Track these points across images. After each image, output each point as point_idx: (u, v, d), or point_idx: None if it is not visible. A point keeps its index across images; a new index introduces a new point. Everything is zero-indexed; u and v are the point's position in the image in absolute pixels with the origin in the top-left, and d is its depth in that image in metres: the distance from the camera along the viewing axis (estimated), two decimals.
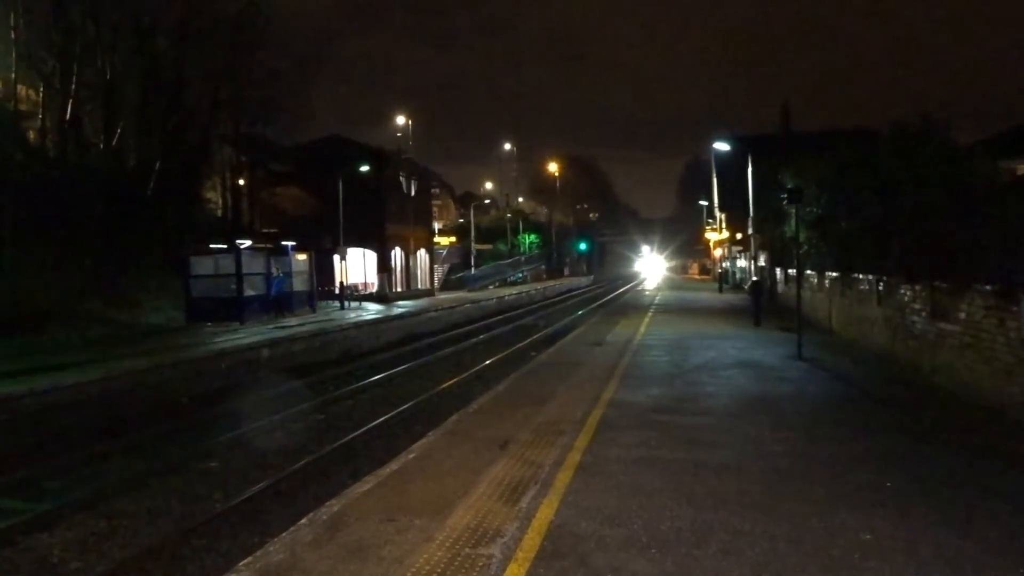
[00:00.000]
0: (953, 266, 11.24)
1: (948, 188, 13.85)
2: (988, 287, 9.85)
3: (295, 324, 25.27)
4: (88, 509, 9.54)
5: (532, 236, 79.88)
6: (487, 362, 21.49)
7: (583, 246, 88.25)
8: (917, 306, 12.80)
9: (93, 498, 9.86)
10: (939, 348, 11.75)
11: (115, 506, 9.73)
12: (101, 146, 28.83)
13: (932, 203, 13.41)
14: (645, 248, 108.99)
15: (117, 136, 29.08)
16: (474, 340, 27.82)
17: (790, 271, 26.76)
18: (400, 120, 72.06)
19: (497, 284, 60.42)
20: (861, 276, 16.78)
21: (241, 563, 5.62)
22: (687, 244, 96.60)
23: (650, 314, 28.20)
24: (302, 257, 31.02)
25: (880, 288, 15.06)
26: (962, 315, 10.80)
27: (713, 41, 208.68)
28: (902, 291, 13.59)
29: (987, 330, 9.94)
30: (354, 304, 34.49)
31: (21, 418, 12.68)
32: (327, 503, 6.88)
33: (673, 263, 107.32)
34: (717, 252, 63.62)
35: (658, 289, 53.01)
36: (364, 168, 35.96)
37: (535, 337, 27.84)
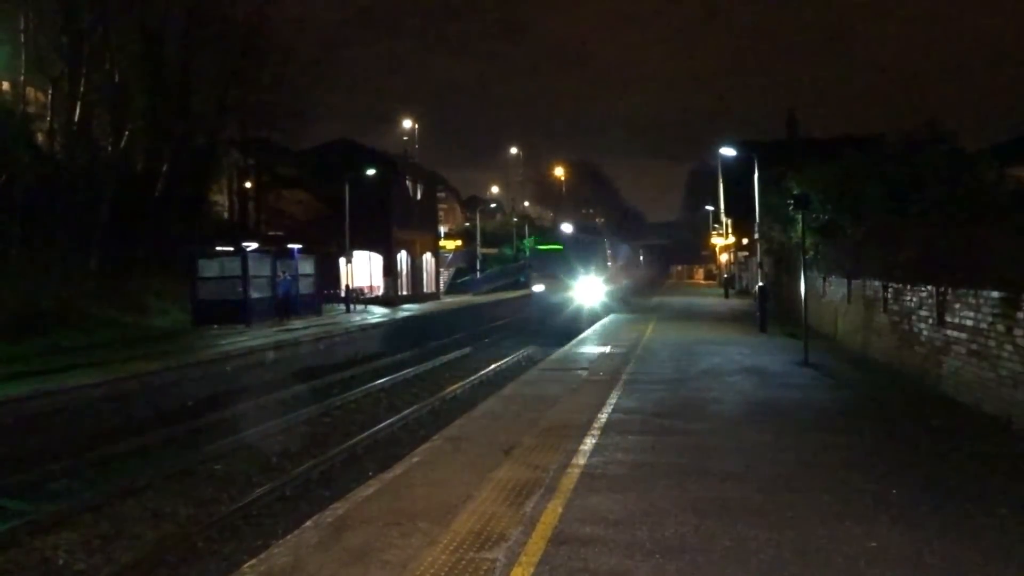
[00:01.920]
0: (960, 272, 11.19)
1: (954, 194, 13.81)
2: (995, 294, 9.81)
3: (300, 327, 25.31)
4: (93, 511, 9.58)
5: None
6: (492, 366, 21.50)
7: None
8: (923, 313, 12.74)
9: (98, 500, 9.89)
10: (946, 355, 11.69)
11: (120, 508, 9.76)
12: (109, 149, 28.92)
13: (939, 209, 13.37)
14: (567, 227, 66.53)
15: (125, 139, 29.17)
16: (478, 344, 27.84)
17: None
18: (407, 124, 72.32)
19: (502, 288, 60.35)
20: (867, 282, 16.72)
21: (245, 565, 5.64)
22: (683, 249, 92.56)
23: (656, 319, 28.16)
24: (308, 260, 31.07)
25: (886, 294, 15.01)
26: (969, 322, 10.75)
27: (720, 48, 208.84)
28: (908, 297, 13.53)
29: (994, 337, 9.89)
30: (359, 307, 34.52)
31: (27, 420, 12.72)
32: (332, 506, 6.88)
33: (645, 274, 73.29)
34: (723, 257, 63.42)
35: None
36: (371, 172, 36.00)
37: (539, 342, 27.82)
